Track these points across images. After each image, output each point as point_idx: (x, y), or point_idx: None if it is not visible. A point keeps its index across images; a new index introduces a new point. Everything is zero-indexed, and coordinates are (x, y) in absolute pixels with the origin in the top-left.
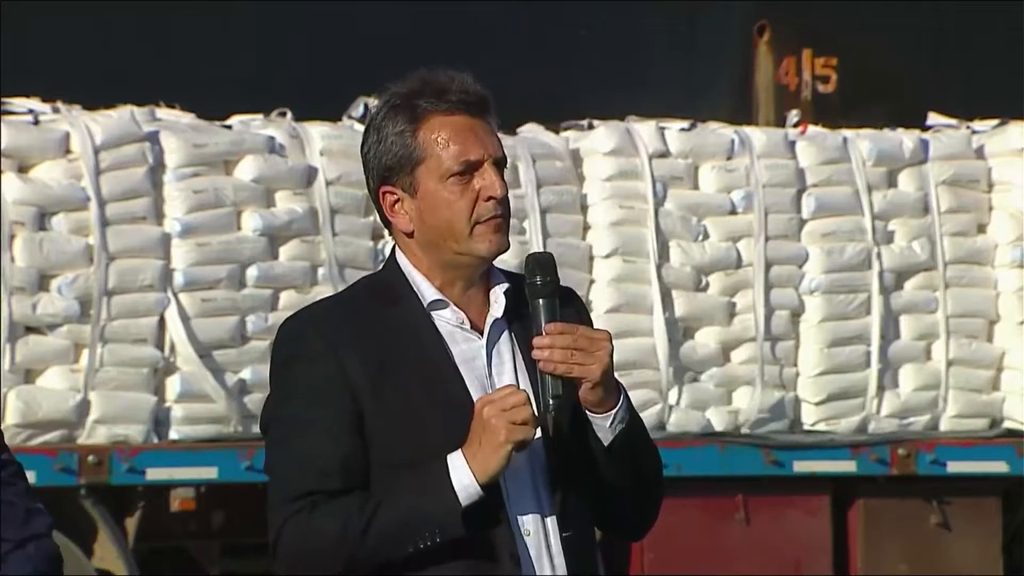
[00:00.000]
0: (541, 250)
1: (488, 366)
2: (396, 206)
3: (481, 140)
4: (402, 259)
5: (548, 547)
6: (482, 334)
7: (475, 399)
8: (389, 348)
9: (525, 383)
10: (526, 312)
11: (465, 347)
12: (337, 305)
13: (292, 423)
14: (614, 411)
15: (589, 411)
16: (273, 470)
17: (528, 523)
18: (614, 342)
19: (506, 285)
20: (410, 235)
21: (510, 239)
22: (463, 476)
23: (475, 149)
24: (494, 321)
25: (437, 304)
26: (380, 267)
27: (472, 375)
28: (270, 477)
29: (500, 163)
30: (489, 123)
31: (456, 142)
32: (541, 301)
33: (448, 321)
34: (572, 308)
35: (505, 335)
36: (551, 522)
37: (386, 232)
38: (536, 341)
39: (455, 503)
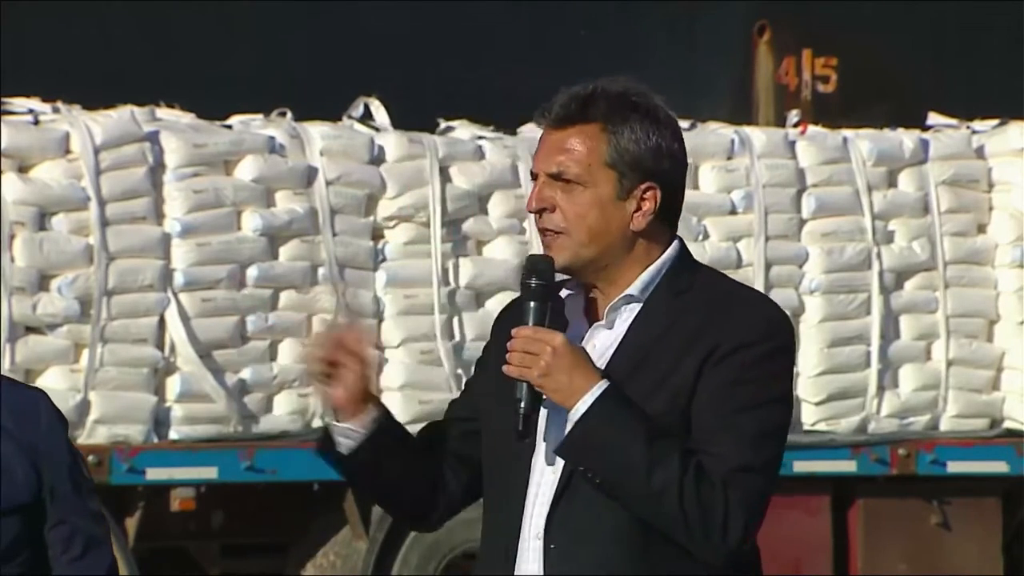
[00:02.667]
0: (543, 253)
1: None
2: None
3: (542, 154)
4: None
5: (533, 552)
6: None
7: None
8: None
9: None
10: (550, 322)
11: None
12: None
13: None
14: (570, 416)
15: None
16: None
17: (540, 526)
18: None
19: (631, 296)
20: None
21: (515, 238)
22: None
23: (536, 163)
24: (592, 327)
25: (560, 298)
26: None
27: None
28: None
29: (558, 176)
30: (571, 133)
31: (535, 154)
32: (531, 304)
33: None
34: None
35: (593, 336)
36: (532, 529)
37: (386, 232)
38: (508, 344)
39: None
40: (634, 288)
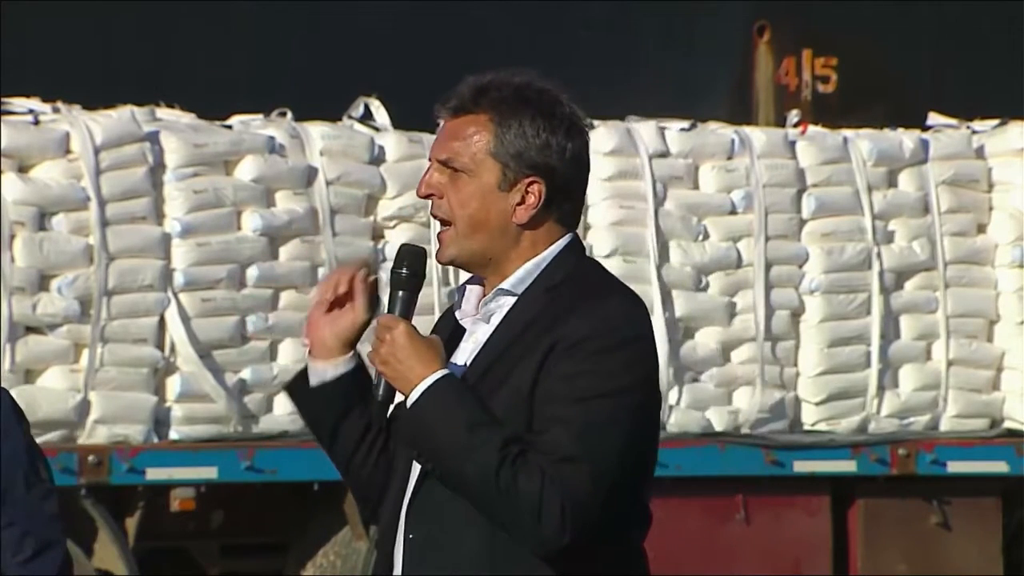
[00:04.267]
0: (417, 244)
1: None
2: None
3: (436, 141)
4: None
5: (400, 548)
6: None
7: None
8: (448, 324)
9: None
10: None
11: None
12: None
13: None
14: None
15: None
16: None
17: (397, 524)
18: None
19: (504, 290)
20: None
21: None
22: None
23: (431, 150)
24: (463, 320)
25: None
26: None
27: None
28: None
29: (446, 163)
30: (466, 120)
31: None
32: (399, 293)
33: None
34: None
35: (475, 330)
36: (402, 521)
37: (386, 232)
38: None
39: (306, 392)
40: (508, 283)
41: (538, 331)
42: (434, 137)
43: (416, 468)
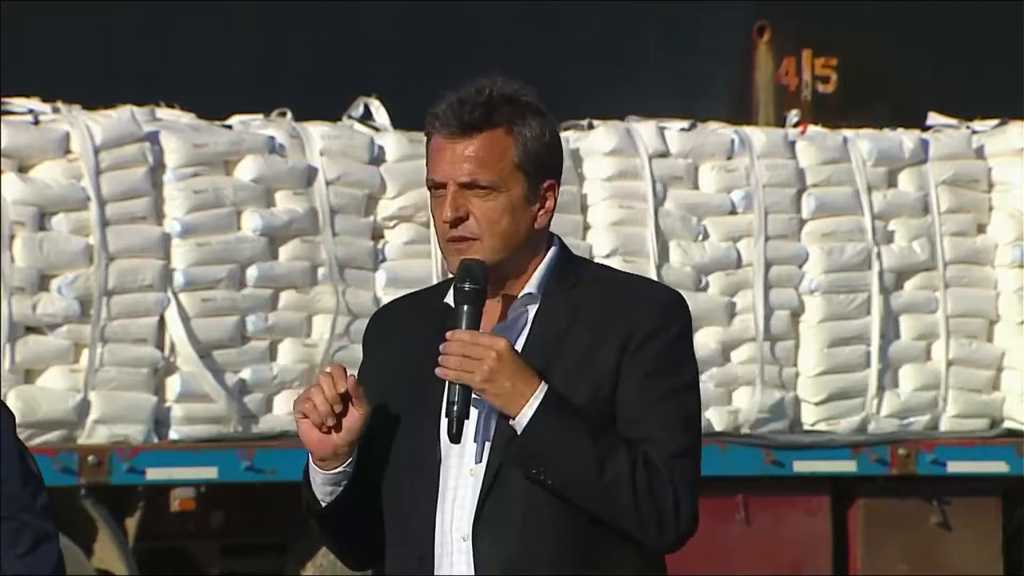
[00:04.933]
0: (474, 259)
1: None
2: None
3: (447, 162)
4: None
5: (459, 555)
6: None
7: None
8: (412, 337)
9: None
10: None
11: None
12: (407, 296)
13: None
14: (516, 420)
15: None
16: None
17: (465, 529)
18: None
19: (532, 295)
20: None
21: None
22: (309, 462)
23: (441, 171)
24: (493, 327)
25: (447, 305)
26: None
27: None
28: None
29: (471, 185)
30: (478, 141)
31: (433, 160)
32: (465, 308)
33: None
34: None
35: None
36: (464, 528)
37: (386, 232)
38: (441, 347)
39: (308, 483)
40: (531, 286)
41: (594, 328)
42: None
43: (474, 479)
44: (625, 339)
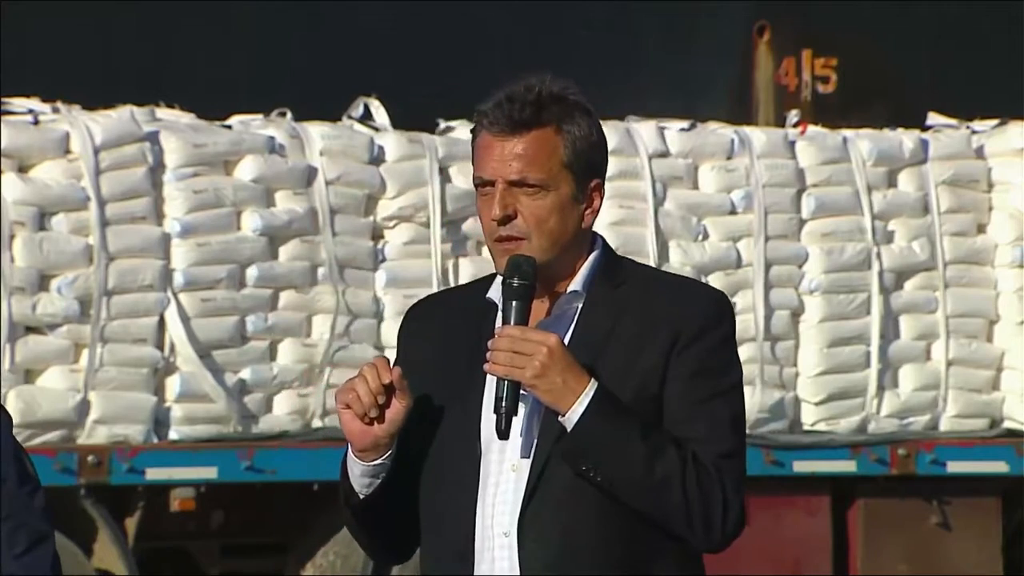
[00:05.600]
0: (524, 254)
1: None
2: None
3: (497, 160)
4: None
5: (501, 550)
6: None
7: (487, 393)
8: (452, 334)
9: None
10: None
11: None
12: (443, 296)
13: None
14: (566, 416)
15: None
16: None
17: (508, 525)
18: None
19: (577, 292)
20: None
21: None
22: (349, 452)
23: (488, 169)
24: (538, 324)
25: (490, 301)
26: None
27: None
28: None
29: (521, 183)
30: (527, 139)
31: (481, 157)
32: (514, 304)
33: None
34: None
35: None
36: (505, 523)
37: (386, 232)
38: (489, 343)
39: (346, 473)
40: (576, 283)
41: (641, 325)
42: (431, 138)
43: (516, 475)
44: (673, 338)
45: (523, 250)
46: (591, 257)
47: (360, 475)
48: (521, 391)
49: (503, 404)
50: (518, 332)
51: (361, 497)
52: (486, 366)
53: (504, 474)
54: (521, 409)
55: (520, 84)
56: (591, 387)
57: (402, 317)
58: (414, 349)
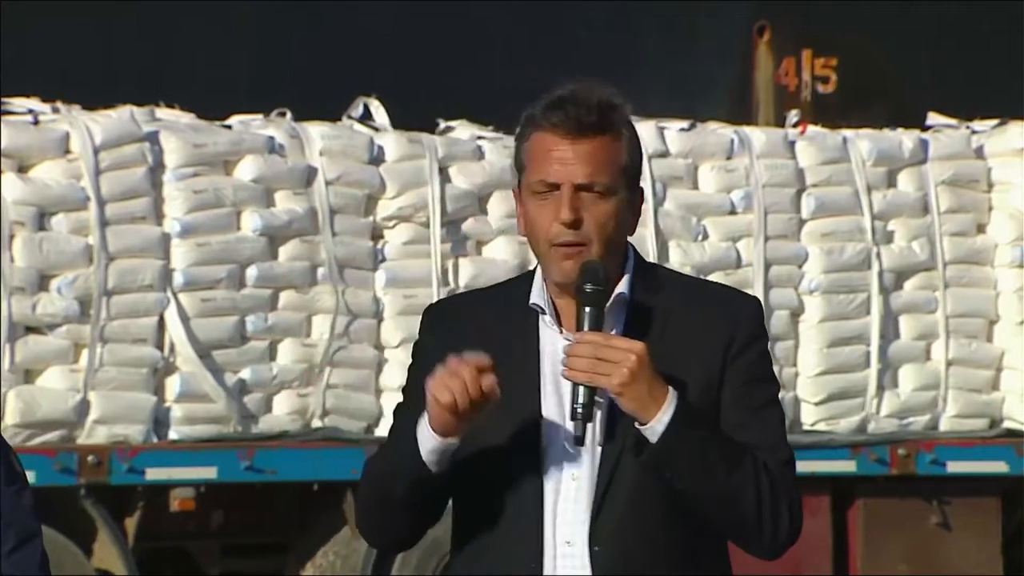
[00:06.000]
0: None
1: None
2: (517, 209)
3: (565, 163)
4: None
5: (589, 559)
6: None
7: (542, 403)
8: (490, 340)
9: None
10: (644, 330)
11: (551, 350)
12: (466, 298)
13: (397, 405)
14: (649, 425)
15: (637, 424)
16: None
17: (572, 534)
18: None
19: (623, 295)
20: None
21: (514, 238)
22: (423, 427)
23: (555, 172)
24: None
25: (536, 307)
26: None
27: (552, 377)
28: None
29: (588, 187)
30: (595, 143)
31: (542, 161)
32: (587, 309)
33: (546, 324)
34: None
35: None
36: (568, 532)
37: (386, 232)
38: (565, 348)
39: (416, 449)
40: (622, 287)
41: (693, 330)
42: (431, 138)
43: (576, 484)
44: (727, 343)
45: (584, 256)
46: (630, 262)
47: (429, 451)
48: (574, 398)
49: (580, 411)
50: (601, 339)
51: (434, 471)
52: (565, 372)
53: (564, 483)
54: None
55: (573, 87)
56: (672, 396)
57: (423, 316)
58: (447, 348)
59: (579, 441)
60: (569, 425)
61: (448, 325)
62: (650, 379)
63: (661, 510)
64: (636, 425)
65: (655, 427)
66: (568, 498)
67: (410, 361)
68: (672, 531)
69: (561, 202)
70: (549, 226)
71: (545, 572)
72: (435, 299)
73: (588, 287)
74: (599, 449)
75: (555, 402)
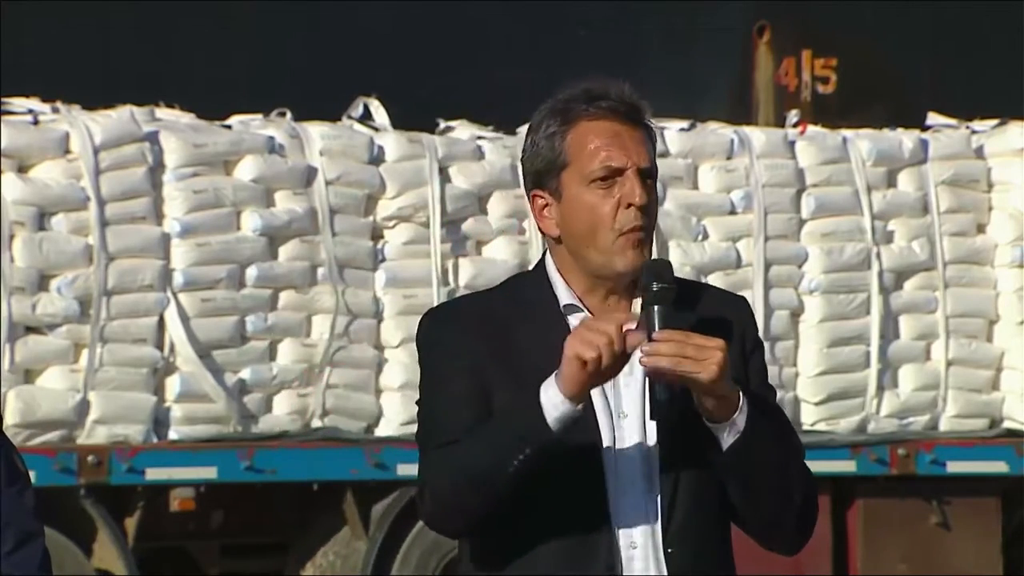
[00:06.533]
0: (659, 256)
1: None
2: (545, 211)
3: (627, 147)
4: (548, 262)
5: (654, 561)
6: None
7: (594, 404)
8: (517, 341)
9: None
10: (674, 325)
11: None
12: (475, 300)
13: (426, 401)
14: (728, 423)
15: (708, 422)
16: (420, 435)
17: (636, 535)
18: None
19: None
20: (557, 240)
21: (514, 238)
22: (550, 391)
23: (619, 155)
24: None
25: (570, 308)
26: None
27: None
28: (419, 444)
29: (647, 173)
30: (642, 131)
31: (601, 147)
32: (656, 308)
33: None
34: (719, 317)
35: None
36: (656, 535)
37: (386, 232)
38: (643, 347)
39: (540, 416)
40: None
41: (714, 328)
42: (431, 138)
43: (645, 486)
44: (741, 344)
45: (644, 243)
46: None
47: (558, 419)
48: (655, 396)
49: (664, 409)
50: (683, 336)
51: (560, 439)
52: (648, 367)
53: (624, 484)
54: (633, 415)
55: (594, 83)
56: (742, 392)
57: (435, 318)
58: (471, 345)
59: (661, 439)
60: (626, 424)
61: (461, 324)
62: (729, 378)
63: (717, 511)
64: (709, 423)
65: (737, 421)
66: (628, 499)
67: (438, 360)
68: (724, 532)
69: (630, 186)
70: (615, 213)
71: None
72: (435, 299)
73: (655, 285)
74: (655, 448)
75: (603, 403)
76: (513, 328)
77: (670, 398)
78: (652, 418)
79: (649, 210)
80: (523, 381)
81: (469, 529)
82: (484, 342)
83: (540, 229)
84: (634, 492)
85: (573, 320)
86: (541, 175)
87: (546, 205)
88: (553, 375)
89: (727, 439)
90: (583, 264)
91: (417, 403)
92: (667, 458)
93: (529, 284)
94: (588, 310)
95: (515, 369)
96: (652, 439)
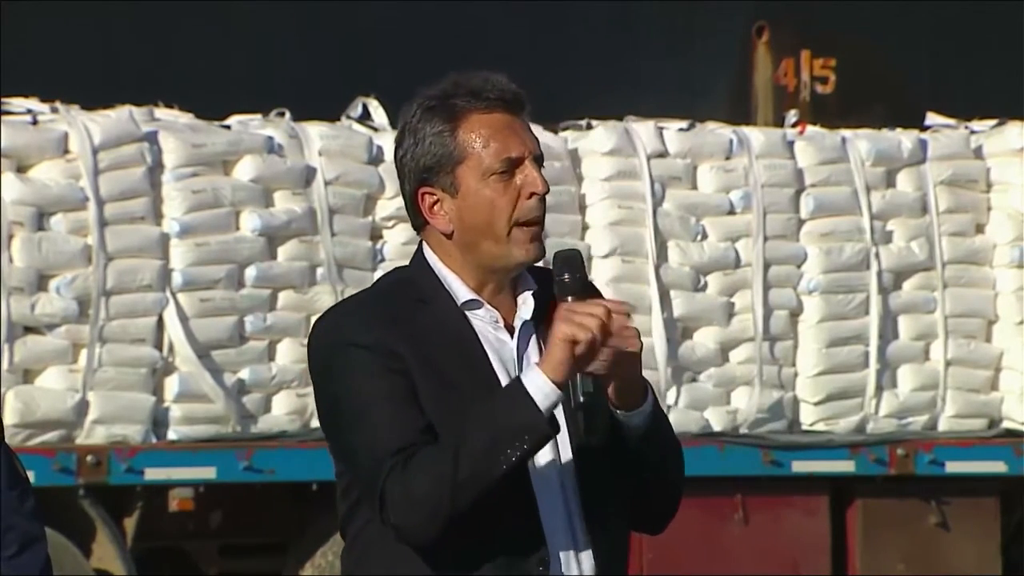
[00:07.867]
0: (568, 247)
1: (518, 365)
2: (435, 207)
3: (521, 136)
4: (433, 259)
5: (576, 549)
6: (512, 334)
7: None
8: (426, 339)
9: None
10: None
11: (497, 345)
12: (371, 298)
13: (359, 399)
14: (643, 406)
15: (623, 411)
16: (357, 446)
17: (558, 525)
18: None
19: (535, 287)
20: (449, 236)
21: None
22: (536, 379)
23: (516, 146)
24: (523, 322)
25: (471, 304)
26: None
27: (503, 371)
28: (356, 454)
29: (540, 160)
30: (527, 119)
31: (497, 140)
32: (570, 299)
33: (481, 319)
34: None
35: (533, 337)
36: (578, 525)
37: (385, 232)
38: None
39: (533, 406)
40: (527, 281)
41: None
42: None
43: (557, 477)
44: None
45: (541, 234)
46: None
47: (552, 407)
48: (579, 389)
49: (581, 399)
50: (603, 311)
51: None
52: (624, 345)
53: (547, 479)
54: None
55: (468, 76)
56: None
57: (343, 317)
58: (391, 345)
59: (590, 431)
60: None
61: (385, 325)
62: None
63: (622, 498)
64: (623, 411)
65: (649, 400)
66: (554, 494)
67: (360, 360)
68: (627, 529)
69: (530, 175)
70: (514, 204)
71: (551, 572)
72: None
73: (566, 277)
74: (568, 441)
75: None
76: (420, 328)
77: (595, 389)
78: (576, 409)
79: (546, 199)
80: (444, 381)
81: (445, 533)
82: (401, 343)
83: (424, 226)
84: (554, 483)
85: (474, 317)
86: (431, 172)
87: (436, 201)
88: (532, 365)
89: (639, 422)
90: (476, 258)
91: (335, 405)
92: (589, 448)
93: (420, 281)
94: (489, 305)
95: (433, 369)
96: (566, 439)
